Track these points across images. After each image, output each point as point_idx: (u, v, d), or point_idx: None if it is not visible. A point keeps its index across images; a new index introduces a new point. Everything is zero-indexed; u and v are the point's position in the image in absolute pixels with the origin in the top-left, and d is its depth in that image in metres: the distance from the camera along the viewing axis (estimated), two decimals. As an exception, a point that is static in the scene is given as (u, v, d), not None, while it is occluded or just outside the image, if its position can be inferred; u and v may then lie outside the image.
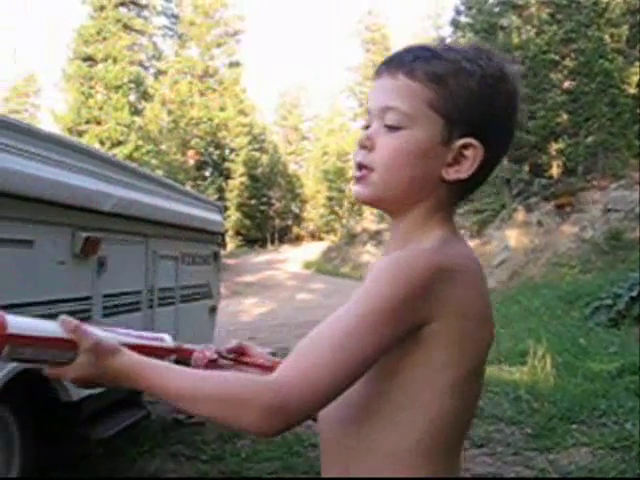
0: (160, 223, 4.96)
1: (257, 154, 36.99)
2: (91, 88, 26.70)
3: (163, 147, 28.90)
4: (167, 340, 1.28)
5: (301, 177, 41.56)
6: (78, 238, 3.86)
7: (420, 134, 1.07)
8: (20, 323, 1.03)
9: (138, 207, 4.53)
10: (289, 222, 39.46)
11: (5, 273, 3.24)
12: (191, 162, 32.03)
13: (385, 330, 0.97)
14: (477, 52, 1.11)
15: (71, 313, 4.02)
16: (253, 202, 36.36)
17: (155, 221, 4.85)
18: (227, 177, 33.88)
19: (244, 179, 34.76)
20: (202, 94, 33.58)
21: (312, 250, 31.84)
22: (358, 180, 1.10)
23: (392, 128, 1.08)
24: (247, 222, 35.94)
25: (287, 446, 4.95)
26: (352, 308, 0.99)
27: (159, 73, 31.74)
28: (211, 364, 1.26)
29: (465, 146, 1.07)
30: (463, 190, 1.12)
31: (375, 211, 34.36)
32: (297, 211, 38.78)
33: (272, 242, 37.30)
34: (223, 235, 6.67)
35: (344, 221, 35.33)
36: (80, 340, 1.02)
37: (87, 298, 4.04)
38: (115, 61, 27.00)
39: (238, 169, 34.22)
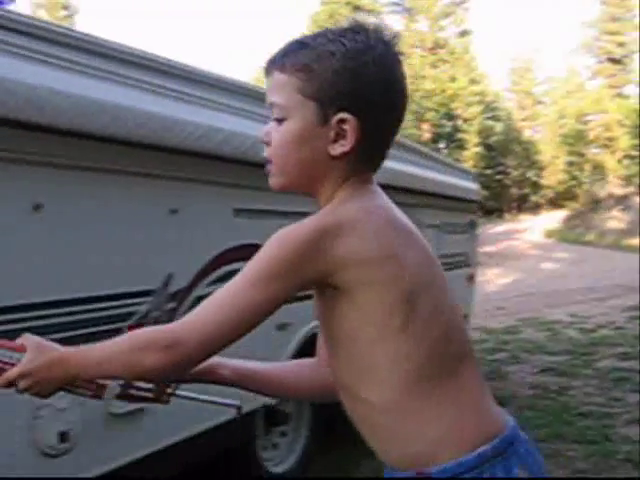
0: (422, 192, 5.09)
1: (490, 122, 36.12)
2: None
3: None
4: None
5: (537, 143, 39.87)
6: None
7: (298, 121, 1.17)
8: None
9: (404, 178, 4.68)
10: (526, 190, 38.13)
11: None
12: (427, 135, 32.12)
13: (267, 287, 1.09)
14: (344, 31, 1.19)
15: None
16: (489, 172, 35.56)
17: (418, 191, 4.99)
18: (461, 148, 33.54)
19: (478, 149, 34.19)
20: (433, 66, 33.48)
21: (552, 218, 30.52)
22: (267, 172, 1.23)
23: (279, 121, 1.19)
24: (484, 192, 35.25)
25: (556, 415, 4.93)
26: (243, 271, 1.12)
27: (390, 49, 32.05)
28: None
29: (341, 121, 1.15)
30: (359, 160, 1.18)
31: (622, 174, 32.35)
32: (534, 178, 37.33)
33: (510, 212, 36.33)
34: (479, 203, 6.67)
35: (586, 186, 33.47)
36: (25, 341, 1.12)
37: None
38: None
39: (472, 139, 33.73)
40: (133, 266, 2.50)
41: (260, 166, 1.26)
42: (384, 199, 1.22)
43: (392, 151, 4.12)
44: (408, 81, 1.24)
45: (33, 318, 2.12)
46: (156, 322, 2.56)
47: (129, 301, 2.47)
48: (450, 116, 33.60)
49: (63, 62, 2.20)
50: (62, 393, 1.16)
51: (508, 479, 1.14)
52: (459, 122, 34.32)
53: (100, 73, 2.32)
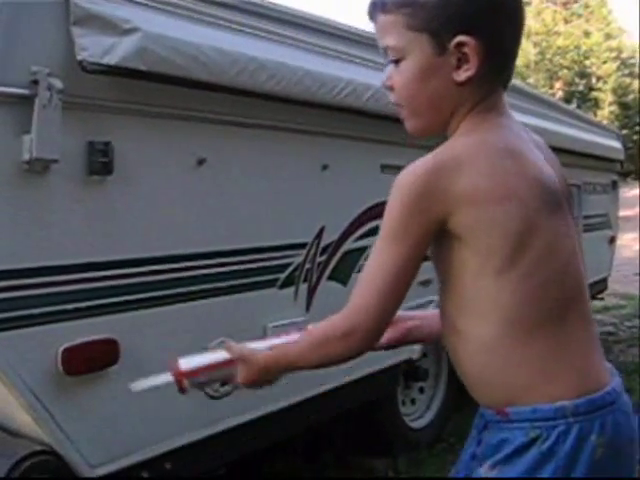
0: (564, 150, 4.94)
1: (627, 80, 34.10)
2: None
3: (530, 80, 28.23)
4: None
5: (679, 101, 37.36)
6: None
7: (415, 57, 1.14)
8: (189, 361, 1.34)
9: (548, 135, 4.55)
10: (666, 152, 35.95)
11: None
12: (559, 94, 30.84)
13: (405, 240, 1.10)
14: None
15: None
16: (625, 132, 33.73)
17: (560, 149, 4.84)
18: (596, 107, 31.96)
19: (614, 108, 32.41)
20: (567, 21, 31.95)
21: (696, 181, 28.65)
22: (401, 118, 1.21)
23: (396, 62, 1.17)
24: (619, 154, 33.54)
25: None
26: (380, 232, 1.13)
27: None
28: None
29: (459, 45, 1.11)
30: (487, 80, 1.15)
31: None
32: (675, 139, 35.13)
33: (647, 174, 34.37)
34: (622, 163, 6.38)
35: None
36: (232, 354, 1.28)
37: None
38: None
39: (607, 98, 32.02)
40: (289, 219, 2.59)
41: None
42: (509, 126, 1.18)
43: (536, 108, 4.07)
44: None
45: (199, 267, 2.25)
46: (307, 274, 2.65)
47: (285, 253, 2.56)
48: (584, 74, 32.03)
49: (225, 22, 2.29)
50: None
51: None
52: (593, 80, 32.66)
53: (259, 32, 2.39)
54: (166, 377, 1.36)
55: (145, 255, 2.10)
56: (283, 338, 1.37)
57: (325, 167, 2.75)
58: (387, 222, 1.12)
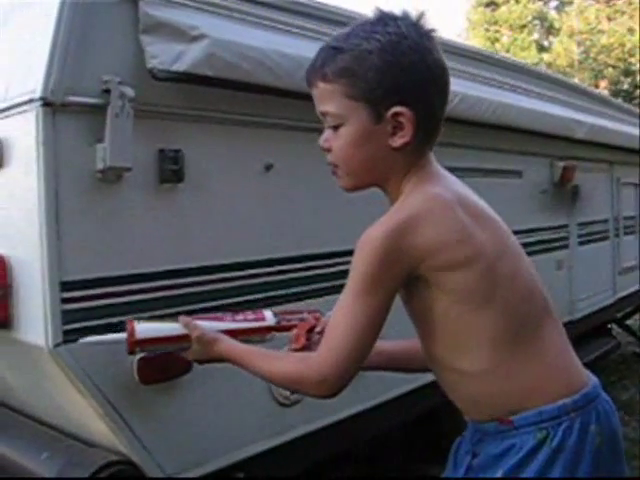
0: (622, 149, 4.83)
1: (675, 77, 33.40)
2: (496, 32, 26.82)
3: (575, 80, 27.84)
4: (268, 318, 1.52)
5: None
6: (556, 167, 3.96)
7: (353, 124, 1.22)
8: (145, 329, 1.45)
9: (604, 133, 4.46)
10: None
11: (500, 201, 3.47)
12: (604, 93, 30.32)
13: (375, 293, 1.17)
14: (374, 24, 1.21)
15: (551, 241, 4.13)
16: (673, 130, 32.99)
17: (618, 147, 4.74)
18: (642, 105, 31.33)
19: (661, 106, 31.79)
20: (610, 19, 31.42)
21: None
22: (334, 175, 1.30)
23: (334, 128, 1.24)
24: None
25: None
26: (346, 287, 1.21)
27: (563, 5, 30.53)
28: (300, 349, 1.43)
29: (396, 115, 1.20)
30: (419, 144, 1.24)
31: None
32: None
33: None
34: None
35: None
36: (190, 333, 1.42)
37: (564, 226, 4.13)
38: (517, 1, 26.69)
39: (653, 96, 31.38)
40: (358, 224, 2.53)
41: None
42: (448, 180, 1.27)
43: (594, 106, 4.00)
44: (442, 56, 1.26)
45: (270, 274, 2.23)
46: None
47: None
48: (629, 72, 31.42)
49: (288, 27, 2.28)
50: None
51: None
52: (638, 78, 32.01)
53: (322, 36, 2.36)
54: (119, 336, 1.47)
55: (215, 262, 2.09)
56: (240, 322, 1.49)
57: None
58: (355, 278, 1.19)
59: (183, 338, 1.44)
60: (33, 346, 1.80)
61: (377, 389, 2.62)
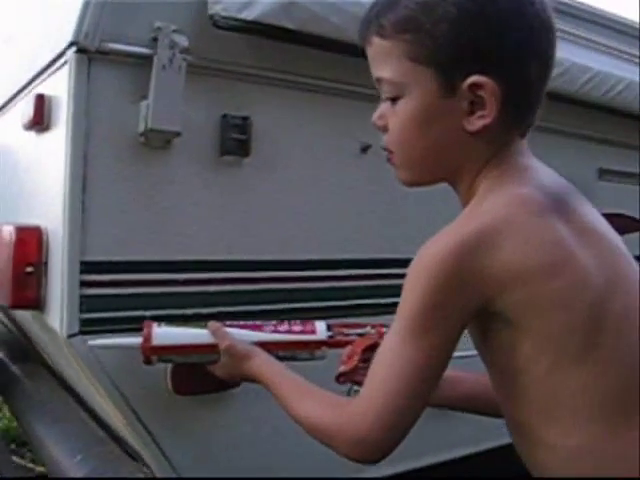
0: None
1: None
2: None
3: None
4: (320, 331, 1.25)
5: None
6: None
7: (417, 97, 0.92)
8: (165, 334, 1.26)
9: None
10: None
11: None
12: None
13: (428, 335, 0.88)
14: None
15: None
16: None
17: None
18: None
19: None
20: None
21: None
22: (390, 164, 1.00)
23: (392, 100, 0.94)
24: None
25: None
26: (392, 326, 0.93)
27: None
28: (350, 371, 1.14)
29: (474, 86, 0.89)
30: (505, 128, 0.92)
31: None
32: None
33: None
34: None
35: None
36: (218, 342, 1.26)
37: None
38: None
39: None
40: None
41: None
42: (542, 176, 0.94)
43: None
44: (548, 8, 0.92)
45: (356, 278, 1.84)
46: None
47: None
48: None
49: None
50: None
51: None
52: None
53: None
54: (134, 340, 1.25)
55: (286, 257, 1.73)
56: (283, 334, 1.25)
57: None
58: (404, 311, 0.91)
59: (210, 348, 1.24)
60: (55, 333, 1.54)
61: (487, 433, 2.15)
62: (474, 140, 0.92)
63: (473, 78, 0.88)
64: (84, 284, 1.47)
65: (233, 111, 1.62)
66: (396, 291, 1.90)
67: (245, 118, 1.63)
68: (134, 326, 1.50)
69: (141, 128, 1.50)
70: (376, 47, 0.95)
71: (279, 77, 1.69)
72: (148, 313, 1.53)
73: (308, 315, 1.73)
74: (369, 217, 1.86)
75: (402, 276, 1.88)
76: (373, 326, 1.26)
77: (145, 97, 1.48)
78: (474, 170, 0.95)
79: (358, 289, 1.83)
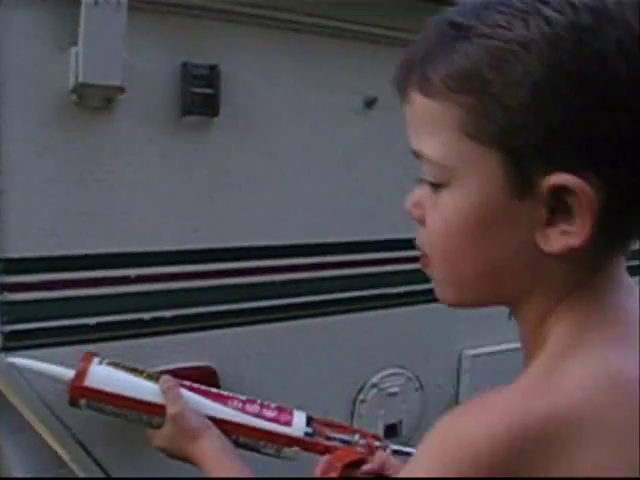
0: None
1: None
2: None
3: None
4: (296, 424, 1.01)
5: None
6: None
7: (469, 190, 0.60)
8: (104, 376, 1.02)
9: None
10: None
11: None
12: None
13: None
14: None
15: None
16: None
17: None
18: None
19: None
20: None
21: None
22: (423, 269, 0.69)
23: (434, 186, 0.63)
24: None
25: None
26: None
27: None
28: None
29: (559, 189, 0.57)
30: (596, 253, 0.60)
31: None
32: None
33: None
34: None
35: None
36: (167, 406, 1.01)
37: None
38: None
39: None
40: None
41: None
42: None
43: None
44: None
45: (351, 264, 1.50)
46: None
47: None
48: None
49: None
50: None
51: None
52: None
53: None
54: (64, 373, 1.03)
55: (269, 243, 1.39)
56: (250, 417, 1.01)
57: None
58: None
59: (155, 408, 1.01)
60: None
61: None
62: (551, 261, 0.61)
63: (559, 177, 0.58)
64: (4, 288, 1.15)
65: (196, 58, 1.27)
66: (413, 277, 1.61)
67: (212, 67, 1.28)
68: (71, 338, 1.20)
69: (71, 83, 1.15)
70: (417, 108, 0.64)
71: (255, 13, 1.32)
72: (92, 321, 1.21)
73: (300, 313, 1.41)
74: (375, 192, 1.51)
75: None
76: (363, 435, 1.01)
77: (74, 43, 1.14)
78: (546, 303, 0.64)
79: (360, 278, 1.49)
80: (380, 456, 0.97)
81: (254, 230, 1.36)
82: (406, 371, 1.58)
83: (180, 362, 1.29)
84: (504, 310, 1.86)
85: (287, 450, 1.01)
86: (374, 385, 1.53)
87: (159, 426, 1.02)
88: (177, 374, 1.27)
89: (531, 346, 0.66)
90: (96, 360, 1.05)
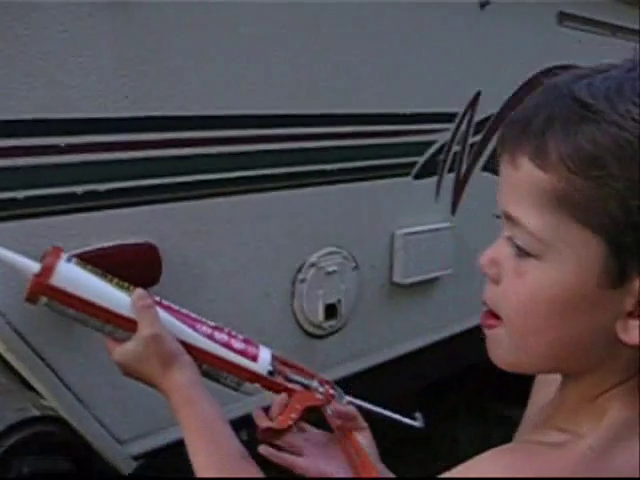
0: None
1: None
2: None
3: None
4: (262, 360, 0.96)
5: None
6: None
7: (561, 270, 0.59)
8: (72, 276, 0.91)
9: None
10: None
11: None
12: None
13: None
14: None
15: None
16: None
17: None
18: None
19: None
20: None
21: None
22: (486, 327, 0.66)
23: (521, 251, 0.61)
24: None
25: None
26: None
27: None
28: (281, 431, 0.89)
29: None
30: None
31: None
32: None
33: None
34: None
35: None
36: (140, 324, 0.90)
37: None
38: None
39: None
40: (431, 78, 1.71)
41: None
42: None
43: None
44: None
45: (287, 138, 1.44)
46: (454, 160, 1.81)
47: (424, 127, 1.71)
48: None
49: None
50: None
51: None
52: None
53: None
54: (27, 265, 0.92)
55: (204, 113, 1.30)
56: (217, 345, 0.95)
57: (484, 4, 1.84)
58: None
59: (125, 322, 0.92)
60: None
61: (448, 317, 1.87)
62: (622, 346, 0.61)
63: None
64: None
65: None
66: (348, 154, 1.58)
67: None
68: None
69: None
70: (524, 176, 0.61)
71: None
72: (20, 195, 1.10)
73: (237, 188, 1.36)
74: (320, 65, 1.45)
75: (353, 136, 1.53)
76: (322, 382, 0.97)
77: None
78: (606, 381, 0.64)
79: (297, 153, 1.44)
80: (339, 407, 0.94)
81: (192, 98, 1.27)
82: (343, 250, 1.56)
83: (118, 239, 1.21)
84: (434, 191, 1.86)
85: (248, 385, 0.96)
86: (313, 264, 1.49)
87: (122, 340, 0.92)
88: (117, 252, 1.21)
89: (568, 406, 0.67)
90: (64, 257, 0.93)
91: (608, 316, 0.61)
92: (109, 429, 1.26)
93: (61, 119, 1.14)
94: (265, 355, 0.97)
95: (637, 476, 0.61)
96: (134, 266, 1.20)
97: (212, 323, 0.98)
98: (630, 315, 0.60)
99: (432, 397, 2.74)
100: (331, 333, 1.58)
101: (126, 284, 0.95)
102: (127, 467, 1.29)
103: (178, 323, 0.94)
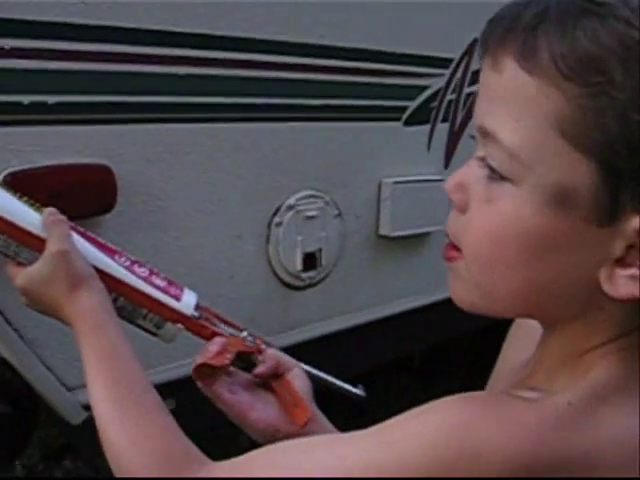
0: None
1: None
2: None
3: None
4: (186, 301, 0.85)
5: None
6: None
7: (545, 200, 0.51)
8: None
9: None
10: None
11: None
12: None
13: None
14: None
15: None
16: None
17: None
18: None
19: None
20: None
21: None
22: (447, 260, 0.59)
23: (494, 173, 0.52)
24: None
25: None
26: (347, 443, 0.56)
27: None
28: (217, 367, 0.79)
29: None
30: None
31: None
32: None
33: None
34: None
35: None
36: (49, 240, 0.79)
37: None
38: None
39: None
40: (427, 19, 1.59)
41: None
42: None
43: None
44: None
45: (273, 67, 1.31)
46: (448, 109, 1.69)
47: (418, 70, 1.59)
48: None
49: None
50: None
51: None
52: None
53: None
54: None
55: (171, 28, 1.18)
56: (138, 279, 0.83)
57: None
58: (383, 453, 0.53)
59: (32, 240, 0.81)
60: None
61: (440, 279, 1.74)
62: (606, 300, 0.53)
63: None
64: None
65: None
66: (336, 90, 1.46)
67: None
68: None
69: None
70: (508, 81, 0.51)
71: None
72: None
73: (206, 115, 1.24)
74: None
75: (341, 71, 1.42)
76: (253, 336, 0.89)
77: None
78: (590, 338, 0.56)
79: (277, 82, 1.31)
80: (272, 354, 0.83)
81: (158, 10, 1.14)
82: (324, 195, 1.43)
83: (69, 158, 1.08)
84: (425, 140, 1.73)
85: (169, 327, 0.84)
86: (291, 207, 1.37)
87: (28, 263, 0.80)
88: (65, 171, 1.09)
89: (548, 363, 0.58)
90: None
91: (591, 260, 0.52)
92: (56, 373, 1.14)
93: (5, 19, 1.01)
94: (189, 298, 0.86)
95: (635, 445, 0.52)
96: (85, 188, 1.08)
97: (133, 257, 0.86)
98: (618, 262, 0.51)
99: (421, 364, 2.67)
100: (310, 285, 1.46)
101: (37, 204, 0.84)
102: (76, 416, 1.17)
103: (94, 249, 0.82)
